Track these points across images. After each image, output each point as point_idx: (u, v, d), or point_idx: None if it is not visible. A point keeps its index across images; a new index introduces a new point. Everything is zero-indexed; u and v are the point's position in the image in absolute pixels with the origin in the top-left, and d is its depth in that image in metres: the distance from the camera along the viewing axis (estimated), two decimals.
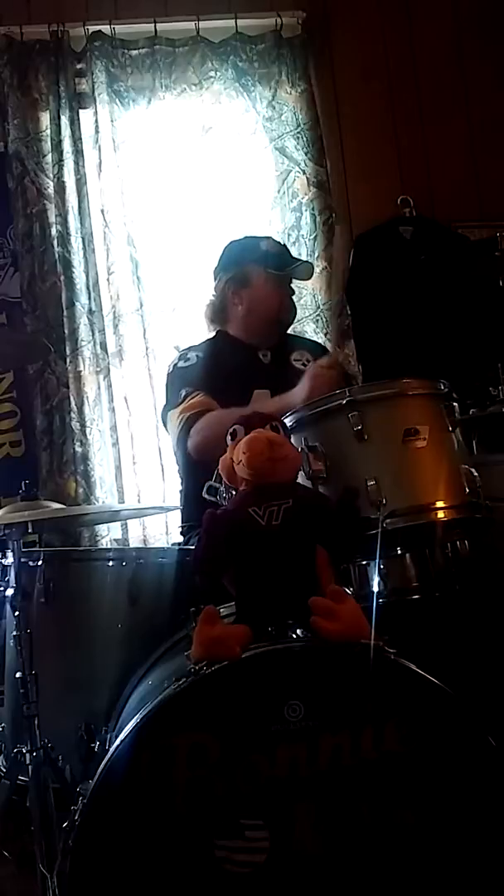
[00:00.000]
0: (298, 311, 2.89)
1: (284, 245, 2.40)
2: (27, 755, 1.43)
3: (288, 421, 1.44)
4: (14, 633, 1.49)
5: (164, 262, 2.91)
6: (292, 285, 2.26)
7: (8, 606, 1.55)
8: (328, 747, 1.10)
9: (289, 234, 2.96)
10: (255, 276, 2.16)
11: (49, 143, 2.92)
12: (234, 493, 1.34)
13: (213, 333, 2.25)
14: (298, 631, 1.20)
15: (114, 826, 1.10)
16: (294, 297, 2.31)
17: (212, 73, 2.99)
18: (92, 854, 1.10)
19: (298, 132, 3.01)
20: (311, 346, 2.35)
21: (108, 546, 2.68)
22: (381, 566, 1.40)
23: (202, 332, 2.33)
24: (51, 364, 2.82)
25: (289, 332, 2.65)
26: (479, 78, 3.17)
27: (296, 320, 2.87)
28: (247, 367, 2.12)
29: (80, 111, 2.94)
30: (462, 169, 3.12)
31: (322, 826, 1.09)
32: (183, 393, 2.05)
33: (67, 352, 2.82)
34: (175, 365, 2.17)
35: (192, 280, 2.86)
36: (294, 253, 2.93)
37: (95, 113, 2.91)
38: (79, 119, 2.92)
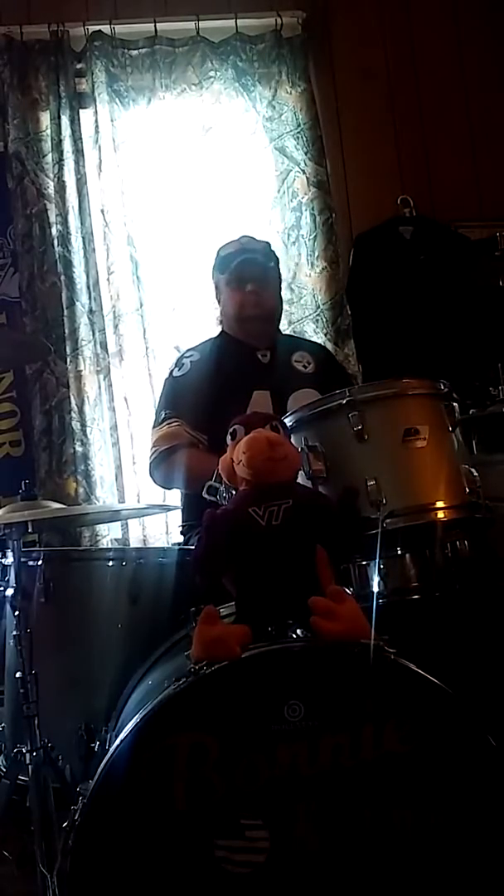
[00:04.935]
0: (298, 310, 2.90)
1: (252, 240, 2.22)
2: (27, 755, 1.43)
3: (288, 421, 1.44)
4: (14, 633, 1.48)
5: (164, 262, 2.91)
6: (283, 281, 2.24)
7: (8, 606, 1.54)
8: (328, 747, 1.09)
9: (289, 234, 2.96)
10: (219, 282, 2.22)
11: (49, 142, 2.92)
12: (234, 492, 1.34)
13: (218, 333, 2.26)
14: (298, 631, 1.20)
15: (114, 826, 1.10)
16: (292, 295, 2.29)
17: (212, 73, 2.99)
18: (92, 854, 1.10)
19: (298, 132, 3.01)
20: (311, 347, 2.36)
21: (108, 546, 2.68)
22: (381, 566, 1.40)
23: (202, 332, 2.33)
24: (50, 364, 2.82)
25: (290, 332, 2.64)
26: (479, 78, 3.17)
27: (296, 320, 2.89)
28: (246, 368, 2.13)
29: (80, 111, 2.94)
30: (462, 169, 3.12)
31: (322, 826, 1.09)
32: (163, 415, 2.09)
33: (67, 351, 2.82)
34: (171, 372, 2.20)
35: (192, 280, 2.86)
36: (293, 253, 2.94)
37: (95, 113, 2.91)
38: (79, 119, 2.93)
